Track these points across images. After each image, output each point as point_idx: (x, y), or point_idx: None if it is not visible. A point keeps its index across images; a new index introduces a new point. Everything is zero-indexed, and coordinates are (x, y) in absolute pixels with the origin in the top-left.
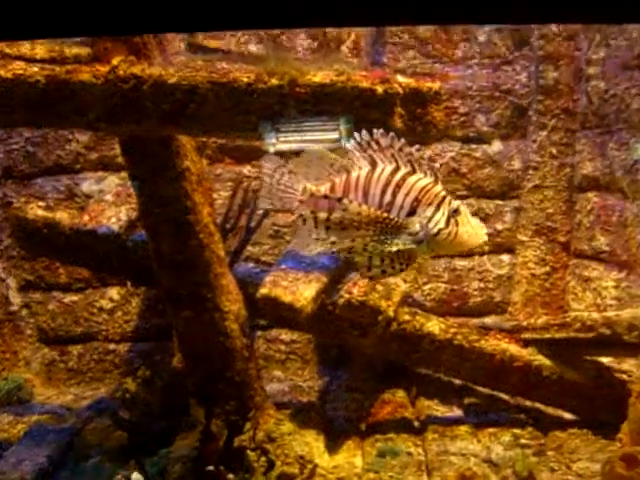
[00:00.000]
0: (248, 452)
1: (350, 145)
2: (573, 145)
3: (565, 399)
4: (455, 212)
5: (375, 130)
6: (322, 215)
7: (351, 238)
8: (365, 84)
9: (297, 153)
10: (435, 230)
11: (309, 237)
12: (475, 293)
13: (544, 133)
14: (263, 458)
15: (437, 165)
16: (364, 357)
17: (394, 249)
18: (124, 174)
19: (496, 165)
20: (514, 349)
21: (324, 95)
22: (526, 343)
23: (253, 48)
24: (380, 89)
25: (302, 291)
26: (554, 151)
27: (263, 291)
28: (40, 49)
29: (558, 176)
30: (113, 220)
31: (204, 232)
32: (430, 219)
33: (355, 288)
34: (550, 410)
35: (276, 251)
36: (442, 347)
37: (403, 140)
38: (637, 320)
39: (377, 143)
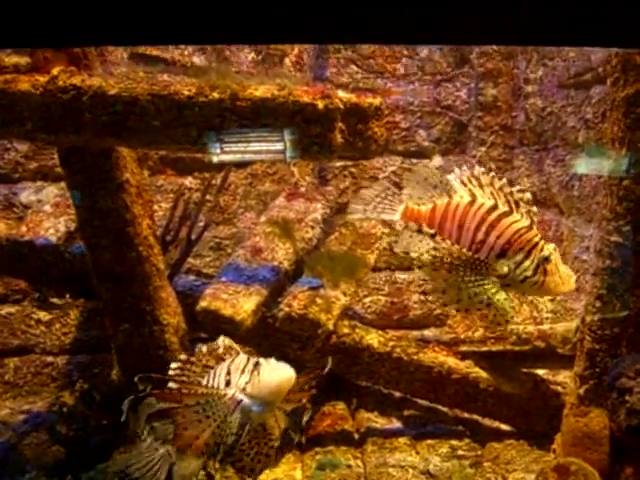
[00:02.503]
0: None
1: (451, 177)
2: (511, 161)
3: (501, 411)
4: (545, 260)
5: (477, 167)
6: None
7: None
8: (306, 99)
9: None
10: (522, 277)
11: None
12: (415, 306)
13: (483, 149)
14: (202, 472)
15: (535, 209)
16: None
17: (482, 287)
18: (63, 184)
19: None
20: (452, 362)
21: (265, 109)
22: (464, 356)
23: (197, 59)
24: (321, 104)
25: (242, 304)
26: (493, 166)
27: (203, 304)
28: None
29: None
30: (51, 231)
31: (143, 244)
32: (519, 265)
33: (295, 301)
34: (487, 422)
35: (217, 263)
36: (381, 360)
37: (505, 180)
38: (571, 333)
39: (477, 180)
